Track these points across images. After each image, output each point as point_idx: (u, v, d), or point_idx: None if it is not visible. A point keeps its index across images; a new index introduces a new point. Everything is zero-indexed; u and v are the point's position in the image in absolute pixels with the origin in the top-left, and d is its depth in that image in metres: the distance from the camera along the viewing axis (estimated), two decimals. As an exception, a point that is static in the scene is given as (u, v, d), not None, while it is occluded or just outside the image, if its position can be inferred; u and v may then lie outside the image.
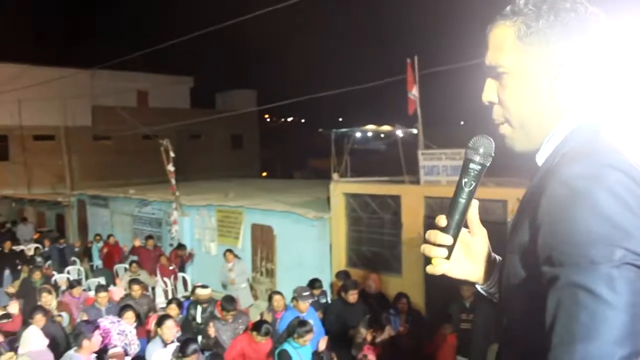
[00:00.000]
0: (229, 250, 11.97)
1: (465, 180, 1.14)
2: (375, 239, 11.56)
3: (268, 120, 61.97)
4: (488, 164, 1.17)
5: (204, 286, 8.99)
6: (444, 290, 8.58)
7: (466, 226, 1.25)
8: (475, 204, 1.22)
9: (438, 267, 1.20)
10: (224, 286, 11.53)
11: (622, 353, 0.86)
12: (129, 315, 7.77)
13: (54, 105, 26.22)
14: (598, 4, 1.19)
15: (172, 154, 16.12)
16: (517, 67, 1.16)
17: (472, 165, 1.14)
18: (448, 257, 1.18)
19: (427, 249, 1.20)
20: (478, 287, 1.39)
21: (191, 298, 9.40)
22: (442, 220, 1.19)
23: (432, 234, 1.20)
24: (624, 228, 0.90)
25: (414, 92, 11.26)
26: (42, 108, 26.20)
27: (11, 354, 6.09)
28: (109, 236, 15.78)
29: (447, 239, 1.17)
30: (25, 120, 26.53)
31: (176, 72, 34.24)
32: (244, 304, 11.15)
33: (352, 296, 8.00)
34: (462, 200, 1.15)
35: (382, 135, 27.07)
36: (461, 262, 1.30)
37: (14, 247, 15.43)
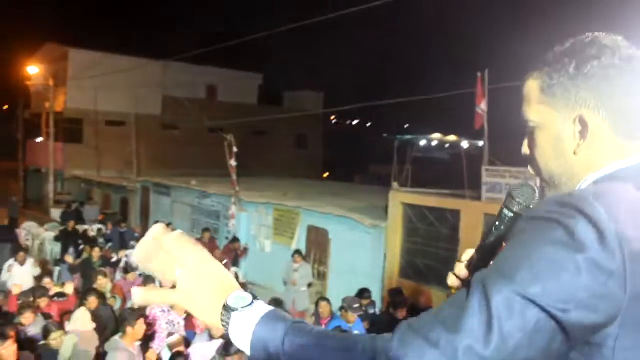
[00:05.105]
0: (298, 252, 11.85)
1: (497, 223, 1.13)
2: (431, 252, 11.31)
3: (334, 122, 62.05)
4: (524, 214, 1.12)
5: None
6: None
7: None
8: None
9: None
10: (285, 284, 11.57)
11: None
12: (179, 306, 7.82)
13: (127, 93, 27.14)
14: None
15: (235, 150, 16.33)
16: (543, 122, 1.11)
17: (505, 212, 1.12)
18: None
19: (448, 278, 1.22)
20: None
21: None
22: (465, 255, 1.20)
23: (456, 266, 1.22)
24: (556, 270, 0.86)
25: (483, 106, 10.94)
26: (115, 95, 27.16)
27: (60, 332, 6.22)
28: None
29: (462, 272, 1.18)
30: (100, 105, 27.53)
31: (246, 69, 34.65)
32: (300, 306, 11.13)
33: (401, 314, 7.79)
34: (489, 242, 1.15)
35: (447, 145, 26.61)
36: None
37: (77, 227, 15.94)
